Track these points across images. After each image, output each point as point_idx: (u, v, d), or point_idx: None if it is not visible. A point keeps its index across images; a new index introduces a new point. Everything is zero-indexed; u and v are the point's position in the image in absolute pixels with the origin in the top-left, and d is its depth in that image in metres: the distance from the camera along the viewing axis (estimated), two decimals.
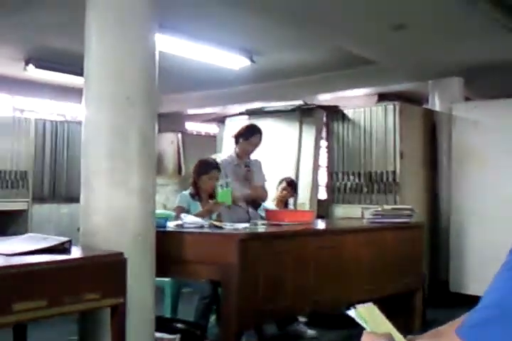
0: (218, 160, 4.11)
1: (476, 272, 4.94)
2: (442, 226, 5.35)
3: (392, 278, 3.82)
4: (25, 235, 2.59)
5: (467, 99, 5.59)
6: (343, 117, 5.41)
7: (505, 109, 4.99)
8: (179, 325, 3.23)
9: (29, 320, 2.00)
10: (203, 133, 8.87)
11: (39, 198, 6.20)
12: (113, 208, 2.60)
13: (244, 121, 5.94)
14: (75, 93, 6.31)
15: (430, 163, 5.43)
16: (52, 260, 2.06)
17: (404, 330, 3.30)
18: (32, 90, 6.37)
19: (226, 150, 5.85)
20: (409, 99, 5.84)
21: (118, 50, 2.70)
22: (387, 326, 1.54)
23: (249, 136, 4.06)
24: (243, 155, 4.10)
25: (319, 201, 5.52)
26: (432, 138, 5.46)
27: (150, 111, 2.75)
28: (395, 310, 3.92)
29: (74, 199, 6.23)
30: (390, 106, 5.16)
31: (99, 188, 2.61)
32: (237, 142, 4.13)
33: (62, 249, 2.27)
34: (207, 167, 3.80)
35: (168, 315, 3.64)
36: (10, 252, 2.14)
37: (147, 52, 2.78)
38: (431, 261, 5.25)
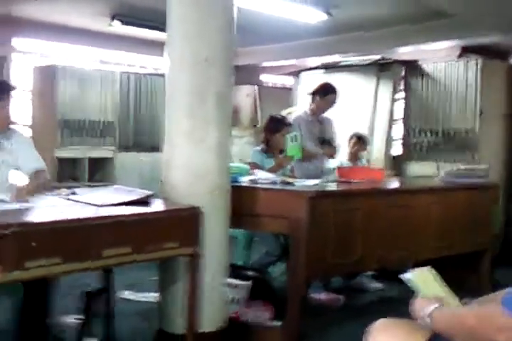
0: (291, 115, 4.22)
1: None
2: None
3: (462, 237, 3.84)
4: (113, 187, 2.86)
5: None
6: (422, 72, 5.28)
7: None
8: (250, 273, 3.46)
9: (116, 264, 2.25)
10: (279, 86, 8.90)
11: (124, 147, 6.56)
12: (192, 164, 2.78)
13: (319, 75, 5.94)
14: (157, 46, 6.52)
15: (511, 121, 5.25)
16: (137, 212, 2.28)
17: (472, 290, 3.40)
18: (116, 44, 6.63)
19: (301, 104, 5.91)
20: (494, 53, 5.57)
21: (198, 11, 2.79)
22: (440, 290, 1.62)
23: (326, 94, 4.16)
24: (317, 112, 4.19)
25: (394, 157, 5.52)
26: None
27: (227, 72, 2.85)
28: (464, 270, 4.00)
29: (155, 148, 6.59)
30: (472, 62, 4.99)
31: (180, 145, 2.79)
32: (313, 99, 4.22)
33: (145, 201, 2.50)
34: (278, 124, 3.91)
35: (240, 262, 3.88)
36: (100, 203, 2.39)
37: (227, 12, 2.86)
38: (505, 221, 5.17)
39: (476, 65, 4.95)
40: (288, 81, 8.14)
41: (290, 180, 3.40)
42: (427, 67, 5.28)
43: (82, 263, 2.06)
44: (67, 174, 6.14)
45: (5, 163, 2.65)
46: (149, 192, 2.57)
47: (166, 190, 2.83)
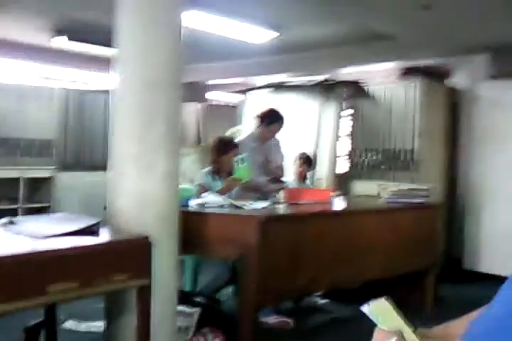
0: (238, 137, 4.19)
1: (490, 250, 5.03)
2: (459, 204, 5.40)
3: (407, 257, 3.92)
4: (55, 215, 2.73)
5: (494, 76, 5.52)
6: (365, 93, 5.41)
7: None
8: (199, 299, 3.39)
9: (61, 300, 2.14)
10: (225, 104, 8.89)
11: (64, 166, 6.35)
12: (139, 191, 2.69)
13: (266, 94, 5.98)
14: (100, 63, 6.38)
15: (450, 141, 5.43)
16: (83, 245, 2.18)
17: (416, 308, 3.43)
18: (56, 59, 6.43)
19: (247, 123, 5.92)
20: (434, 74, 5.76)
21: (146, 34, 2.73)
22: (398, 322, 1.63)
23: (270, 123, 4.17)
24: (262, 139, 4.18)
25: (337, 175, 5.59)
26: (453, 117, 5.44)
27: (175, 96, 2.81)
28: (409, 287, 4.07)
29: (97, 167, 6.40)
30: (412, 84, 5.15)
31: (126, 171, 2.71)
32: (258, 124, 4.22)
33: (91, 230, 2.40)
34: (226, 146, 3.88)
35: (188, 287, 3.79)
36: (43, 235, 2.27)
37: (175, 35, 2.83)
38: (446, 238, 5.32)
39: (416, 86, 5.11)
40: (234, 99, 8.15)
41: (239, 203, 3.36)
42: (370, 88, 5.41)
43: (25, 301, 1.94)
44: (4, 195, 5.88)
45: None
46: (95, 221, 2.47)
47: (113, 218, 2.73)
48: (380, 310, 1.65)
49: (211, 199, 3.35)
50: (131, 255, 2.30)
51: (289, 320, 3.73)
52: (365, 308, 1.65)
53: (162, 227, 2.71)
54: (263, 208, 3.33)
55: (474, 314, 1.43)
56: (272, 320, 3.69)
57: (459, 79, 5.51)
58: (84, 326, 3.58)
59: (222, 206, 3.29)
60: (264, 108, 4.34)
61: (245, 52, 6.08)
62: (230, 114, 7.25)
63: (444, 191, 5.30)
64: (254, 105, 6.04)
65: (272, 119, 4.16)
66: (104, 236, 2.39)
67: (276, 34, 5.09)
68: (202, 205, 3.29)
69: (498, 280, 1.21)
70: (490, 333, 1.13)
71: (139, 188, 2.69)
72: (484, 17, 4.39)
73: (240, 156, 3.78)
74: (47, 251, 2.05)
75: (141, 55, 2.72)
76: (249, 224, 2.96)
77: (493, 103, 5.11)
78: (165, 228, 2.73)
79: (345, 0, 4.15)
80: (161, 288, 2.64)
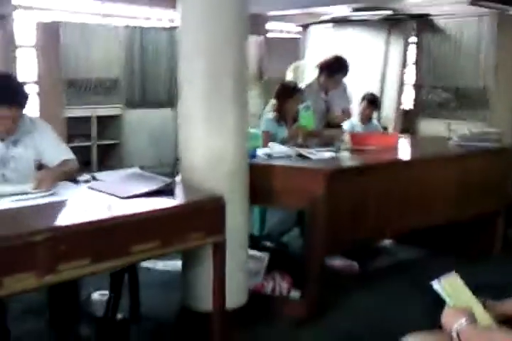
0: (301, 84, 4.14)
1: None
2: None
3: (475, 201, 3.86)
4: (131, 171, 2.86)
5: None
6: (434, 27, 5.14)
7: None
8: (267, 244, 3.54)
9: (145, 259, 2.31)
10: (286, 37, 8.65)
11: (131, 104, 6.52)
12: (209, 147, 2.78)
13: (329, 30, 5.79)
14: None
15: None
16: (163, 207, 2.31)
17: (484, 251, 3.45)
18: None
19: (309, 57, 5.80)
20: (508, 2, 5.35)
21: None
22: (469, 299, 1.67)
23: (332, 74, 4.05)
24: (324, 89, 4.10)
25: (404, 114, 5.47)
26: None
27: (242, 53, 2.80)
28: (478, 232, 4.06)
29: (163, 104, 6.56)
30: (486, 16, 4.84)
31: (196, 128, 2.79)
32: (320, 73, 4.11)
33: (167, 190, 2.52)
34: (290, 91, 3.86)
35: (256, 231, 3.95)
36: (124, 195, 2.41)
37: None
38: None
39: (489, 18, 4.81)
40: (295, 31, 7.91)
41: (305, 152, 3.39)
42: (439, 21, 5.12)
43: (111, 261, 2.11)
44: (77, 133, 6.14)
45: (25, 157, 2.64)
46: (170, 180, 2.58)
47: (185, 173, 2.85)
48: (451, 287, 1.69)
49: (277, 150, 3.40)
50: (206, 214, 2.41)
51: (355, 263, 3.84)
52: (436, 285, 1.69)
53: (233, 183, 2.81)
54: (329, 158, 3.35)
55: None
56: (337, 263, 3.82)
57: None
58: (161, 264, 3.83)
59: (288, 156, 3.33)
60: (328, 56, 4.18)
61: None
62: (292, 47, 7.08)
63: None
64: (317, 39, 5.88)
65: (333, 70, 4.05)
66: (180, 196, 2.50)
67: None
68: (269, 156, 3.35)
69: None
70: None
71: (208, 144, 2.77)
72: None
73: (305, 104, 3.77)
74: (131, 214, 2.19)
75: (208, 14, 2.69)
76: (317, 177, 3.00)
77: None
78: (235, 183, 2.83)
79: None
80: (233, 239, 2.78)
